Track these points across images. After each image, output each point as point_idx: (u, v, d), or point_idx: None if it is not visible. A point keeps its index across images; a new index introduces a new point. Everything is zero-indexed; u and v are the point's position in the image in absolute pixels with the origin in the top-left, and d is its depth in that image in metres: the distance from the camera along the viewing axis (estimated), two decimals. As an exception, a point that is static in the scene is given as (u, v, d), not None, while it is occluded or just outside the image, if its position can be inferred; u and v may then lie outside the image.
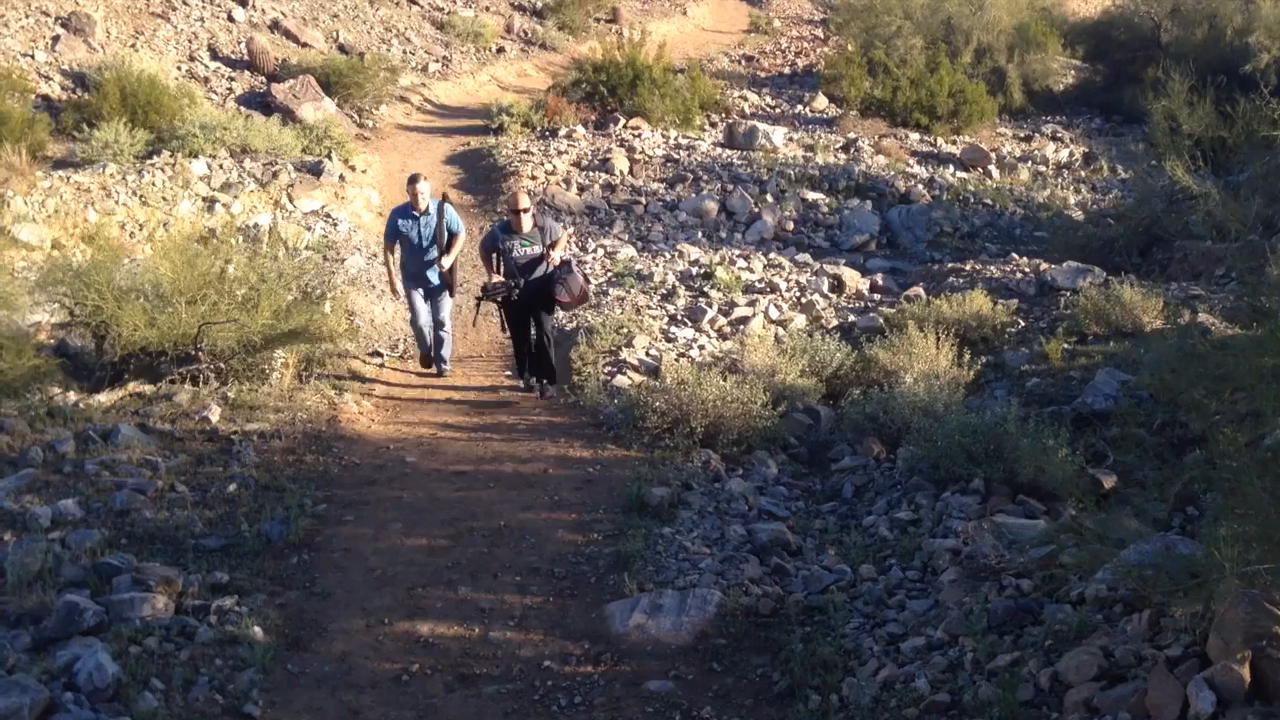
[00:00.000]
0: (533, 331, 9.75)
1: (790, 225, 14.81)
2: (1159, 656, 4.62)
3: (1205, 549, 4.53)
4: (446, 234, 9.99)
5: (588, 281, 9.92)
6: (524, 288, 9.40)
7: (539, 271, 9.49)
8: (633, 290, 11.98)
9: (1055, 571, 5.68)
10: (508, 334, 9.98)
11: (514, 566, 6.73)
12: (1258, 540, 4.28)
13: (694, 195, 15.30)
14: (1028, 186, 16.80)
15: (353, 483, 7.90)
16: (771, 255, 13.63)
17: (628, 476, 7.85)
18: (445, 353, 10.35)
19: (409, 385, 10.11)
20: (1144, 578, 4.85)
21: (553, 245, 9.51)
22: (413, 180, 10.11)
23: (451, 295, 10.28)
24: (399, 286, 10.19)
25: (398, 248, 10.15)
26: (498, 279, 9.48)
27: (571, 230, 12.37)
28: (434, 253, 9.96)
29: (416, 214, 9.94)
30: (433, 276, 10.06)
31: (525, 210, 9.50)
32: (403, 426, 9.12)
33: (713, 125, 19.13)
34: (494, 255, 9.61)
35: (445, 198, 10.33)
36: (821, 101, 21.36)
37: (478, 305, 10.09)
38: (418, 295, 10.13)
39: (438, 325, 10.23)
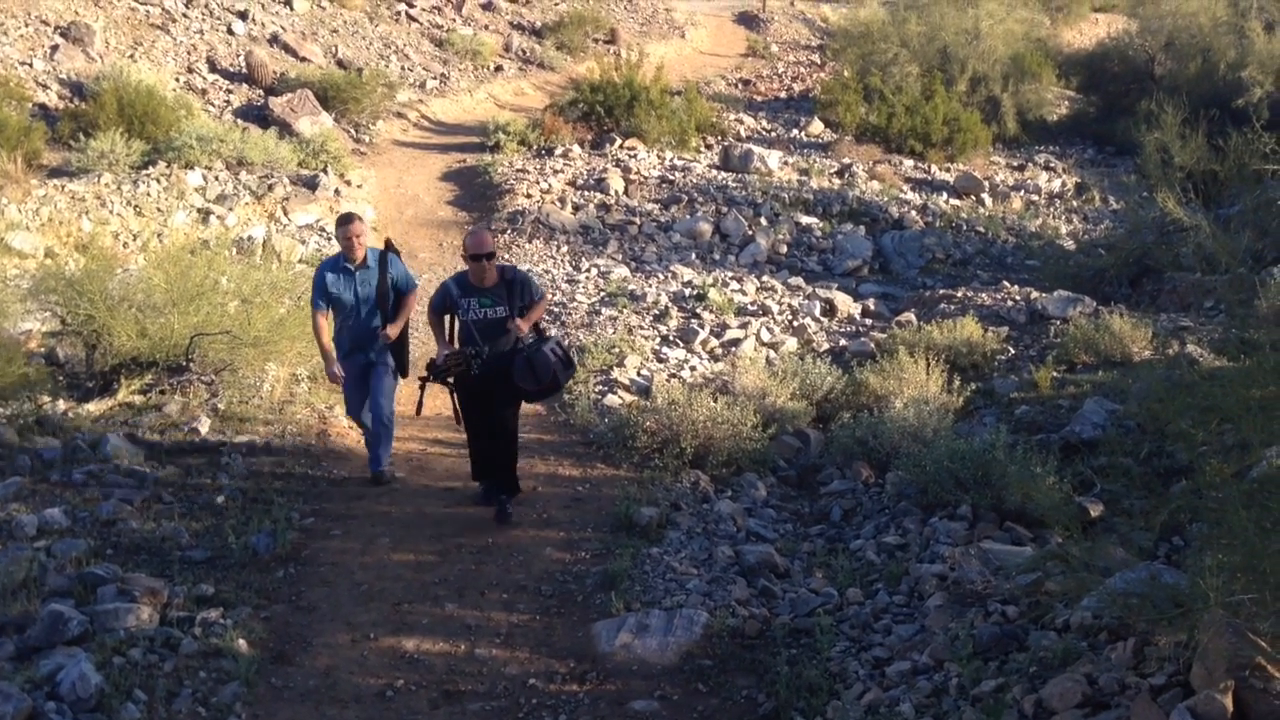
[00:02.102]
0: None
1: (783, 249, 14.87)
2: (1143, 685, 4.63)
3: (1190, 578, 4.55)
4: (392, 293, 7.77)
5: (567, 363, 7.42)
6: (485, 362, 7.18)
7: (504, 343, 7.25)
8: (625, 310, 12.01)
9: (1041, 598, 5.69)
10: (460, 420, 7.56)
11: (501, 584, 6.73)
12: (1242, 570, 4.30)
13: (688, 217, 15.35)
14: (1020, 215, 16.90)
15: (341, 497, 7.90)
16: (764, 278, 13.67)
17: (616, 496, 7.85)
18: (384, 452, 8.03)
19: (399, 400, 10.11)
20: (1129, 606, 4.87)
21: (524, 309, 7.27)
22: (344, 222, 7.73)
23: (402, 375, 8.02)
24: (336, 365, 7.80)
25: (327, 312, 7.83)
26: (448, 351, 7.29)
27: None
28: (376, 319, 7.74)
29: (351, 267, 7.67)
30: (374, 351, 7.81)
31: (488, 257, 7.18)
32: (393, 442, 9.11)
33: (708, 147, 19.21)
34: (446, 317, 7.47)
35: (389, 245, 7.89)
36: (817, 126, 21.46)
37: (422, 388, 7.47)
38: (355, 377, 7.89)
39: (374, 414, 7.89)
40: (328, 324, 7.82)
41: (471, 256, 7.19)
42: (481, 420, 7.44)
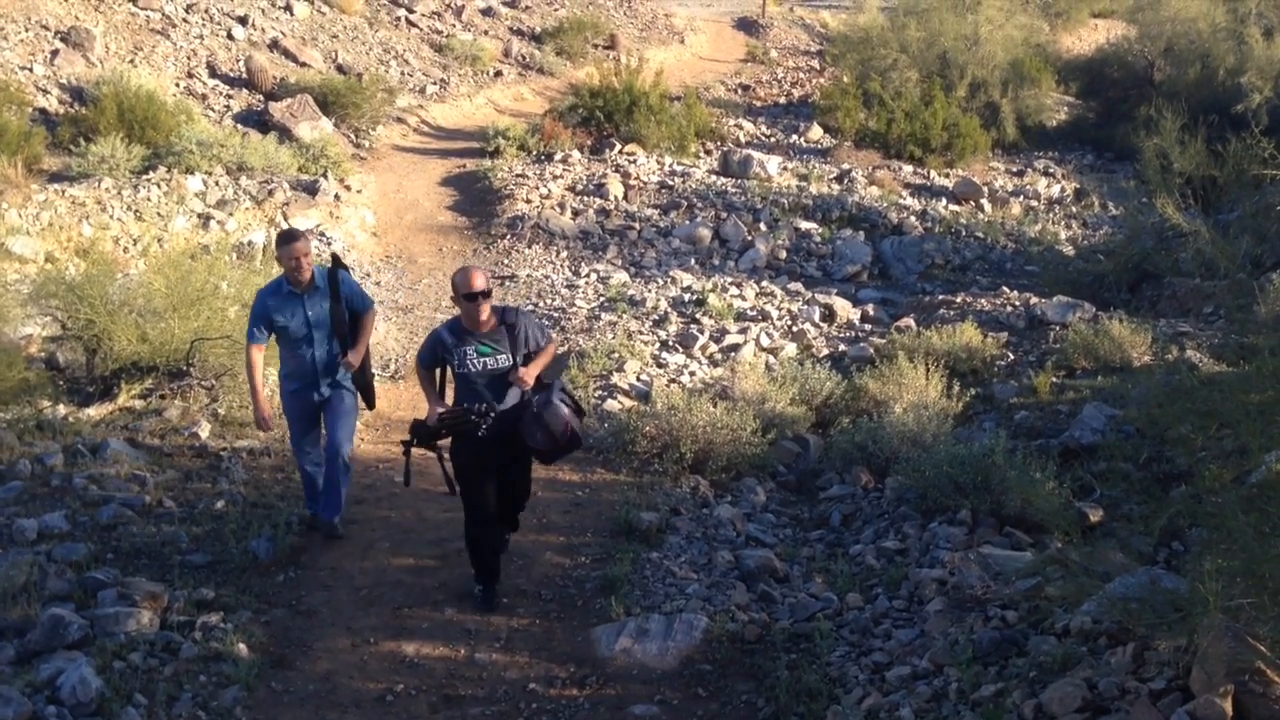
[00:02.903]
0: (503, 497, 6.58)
1: (783, 254, 14.88)
2: (1142, 689, 4.64)
3: (1190, 583, 4.56)
4: (347, 314, 6.84)
5: (579, 411, 6.40)
6: (493, 421, 6.17)
7: (508, 399, 6.25)
8: (625, 315, 12.01)
9: (1040, 603, 5.70)
10: (456, 491, 6.42)
11: (501, 588, 6.72)
12: (1241, 575, 4.31)
13: (688, 222, 15.36)
14: (1019, 221, 16.91)
15: (341, 501, 7.89)
16: (764, 283, 13.68)
17: (616, 501, 7.86)
18: (338, 499, 7.10)
19: (399, 405, 10.12)
20: (1129, 611, 4.87)
21: (529, 356, 6.26)
22: (287, 240, 6.67)
23: (369, 406, 7.17)
24: (266, 411, 6.91)
25: (266, 345, 6.92)
26: (443, 409, 6.23)
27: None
28: (333, 347, 6.83)
29: (298, 291, 6.70)
30: (331, 382, 6.92)
31: (483, 295, 6.11)
32: (391, 447, 9.10)
33: (708, 153, 19.23)
34: (438, 371, 6.44)
35: (337, 260, 6.96)
36: (816, 132, 21.49)
37: (407, 453, 6.42)
38: (305, 415, 7.01)
39: (331, 455, 6.95)
40: (260, 358, 6.84)
41: (464, 297, 6.05)
42: (485, 493, 6.35)
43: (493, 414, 6.13)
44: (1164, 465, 7.42)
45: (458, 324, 6.25)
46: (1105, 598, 5.10)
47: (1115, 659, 4.96)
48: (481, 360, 6.19)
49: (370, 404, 7.15)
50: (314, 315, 6.74)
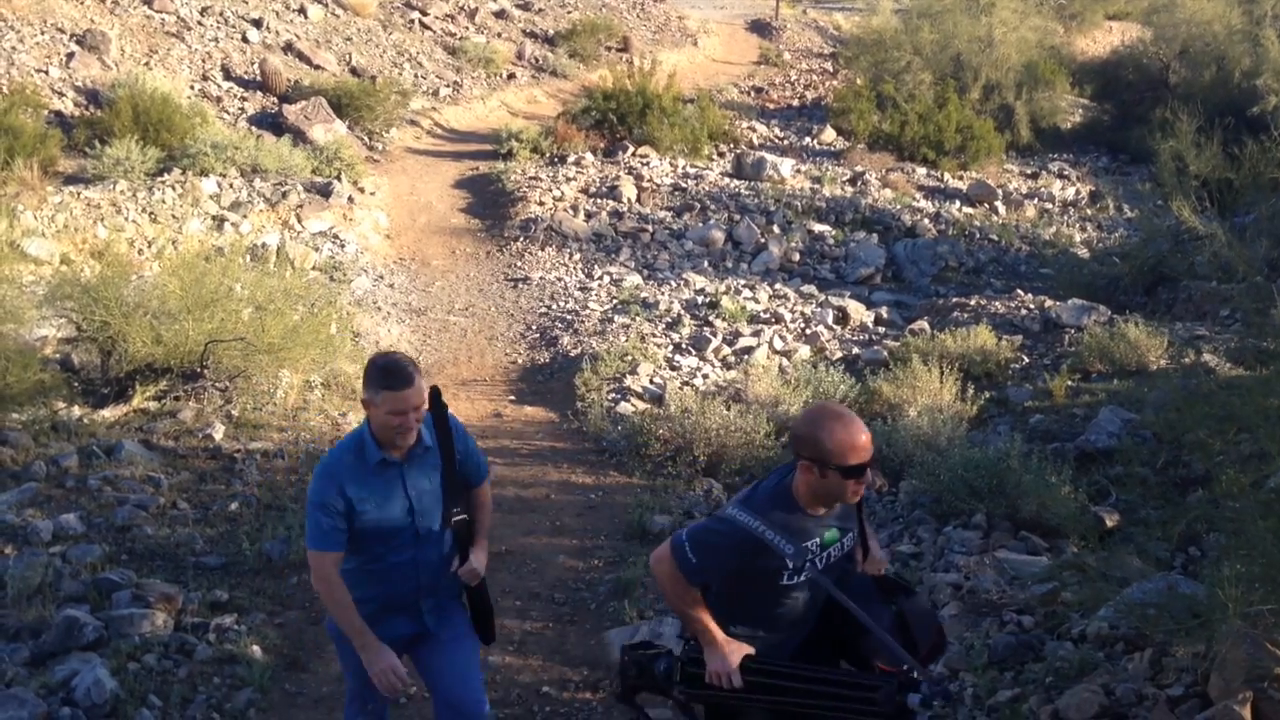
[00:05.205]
0: None
1: (796, 256, 14.86)
2: (1160, 696, 4.60)
3: (1208, 589, 4.52)
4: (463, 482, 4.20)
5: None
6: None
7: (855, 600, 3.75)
8: (638, 318, 12.01)
9: (1057, 608, 5.67)
10: None
11: (514, 591, 6.72)
12: (1260, 581, 4.27)
13: (701, 224, 15.35)
14: (1033, 223, 16.86)
15: (354, 504, 7.89)
16: (777, 286, 13.66)
17: (630, 503, 7.85)
18: None
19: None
20: (1146, 617, 4.84)
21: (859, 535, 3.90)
22: (396, 378, 3.88)
23: (487, 640, 4.36)
24: (394, 663, 3.98)
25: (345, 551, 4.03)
26: (749, 654, 3.69)
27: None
28: (444, 542, 4.14)
29: (394, 459, 4.01)
30: (435, 609, 4.20)
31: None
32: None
33: (721, 155, 19.21)
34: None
35: (436, 395, 4.08)
36: (829, 134, 21.45)
37: (626, 697, 4.02)
38: (390, 655, 4.01)
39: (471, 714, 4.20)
40: (334, 566, 3.97)
41: (842, 470, 3.55)
42: None
43: (929, 686, 3.63)
44: (1181, 470, 7.37)
45: (780, 504, 3.65)
46: (1122, 603, 5.07)
47: (1132, 665, 4.92)
48: (825, 553, 3.74)
49: (488, 638, 4.36)
50: (418, 495, 4.05)
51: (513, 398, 10.36)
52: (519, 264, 14.14)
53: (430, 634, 4.21)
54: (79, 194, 13.87)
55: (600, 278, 13.64)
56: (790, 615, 3.81)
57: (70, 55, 17.77)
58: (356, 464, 3.98)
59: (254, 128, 17.72)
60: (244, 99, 18.82)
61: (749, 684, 3.63)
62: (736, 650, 3.67)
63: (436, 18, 24.66)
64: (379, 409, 3.90)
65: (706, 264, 14.51)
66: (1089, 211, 17.89)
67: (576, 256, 14.42)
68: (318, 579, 3.98)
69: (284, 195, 14.65)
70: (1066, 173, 20.40)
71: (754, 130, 21.69)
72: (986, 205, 17.52)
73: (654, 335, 11.56)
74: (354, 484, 3.96)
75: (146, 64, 18.47)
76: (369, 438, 3.99)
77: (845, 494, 3.64)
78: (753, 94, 25.36)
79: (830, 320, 12.33)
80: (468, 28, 24.91)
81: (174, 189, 14.33)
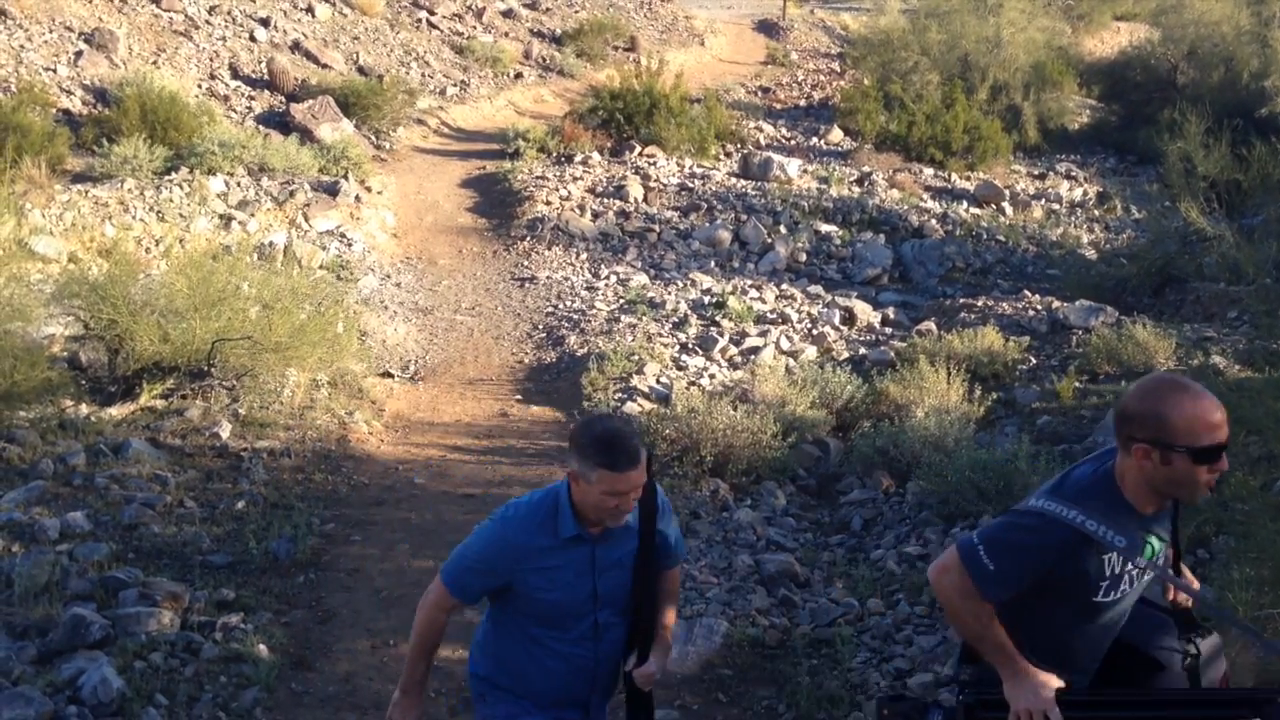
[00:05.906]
0: None
1: (803, 257, 14.84)
2: (1168, 699, 4.58)
3: (1217, 591, 4.51)
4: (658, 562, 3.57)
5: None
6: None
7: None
8: (644, 318, 12.00)
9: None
10: None
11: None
12: (1270, 584, 4.26)
13: (707, 224, 15.34)
14: (1041, 224, 16.82)
15: (361, 503, 7.90)
16: (784, 286, 13.65)
17: (636, 504, 7.83)
18: None
19: (419, 407, 10.13)
20: (1154, 619, 4.82)
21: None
22: (621, 456, 3.27)
23: None
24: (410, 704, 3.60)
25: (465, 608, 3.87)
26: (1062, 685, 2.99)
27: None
28: (623, 631, 3.53)
29: (588, 536, 3.44)
30: (602, 701, 3.74)
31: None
32: (412, 448, 9.13)
33: (728, 155, 19.20)
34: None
35: (649, 464, 3.35)
36: (837, 134, 21.44)
37: None
38: None
39: None
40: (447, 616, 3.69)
41: (1195, 451, 2.90)
42: None
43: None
44: (1189, 472, 7.34)
45: (1079, 486, 3.13)
46: (1130, 605, 5.05)
47: (1140, 667, 4.91)
48: (1142, 570, 3.13)
49: None
50: (606, 579, 3.47)
51: (519, 397, 10.36)
52: (525, 263, 14.14)
53: None
54: (87, 192, 13.89)
55: (607, 277, 13.63)
56: (1090, 646, 3.13)
57: (78, 54, 17.81)
58: (543, 534, 3.43)
59: (261, 127, 17.74)
60: (251, 98, 18.85)
61: None
62: (1048, 681, 2.92)
63: (444, 17, 24.68)
64: (593, 487, 3.31)
65: (713, 264, 14.49)
66: (1096, 212, 17.85)
67: (583, 256, 14.41)
68: (427, 607, 3.66)
69: (291, 194, 14.66)
70: (1074, 173, 20.36)
71: (761, 130, 21.68)
72: (994, 206, 17.49)
73: (660, 335, 11.55)
74: (533, 565, 3.43)
75: (154, 63, 18.51)
76: (567, 507, 3.42)
77: (1195, 485, 2.96)
78: (760, 94, 25.35)
79: (837, 321, 12.32)
80: (475, 27, 24.94)
81: (181, 188, 14.35)
